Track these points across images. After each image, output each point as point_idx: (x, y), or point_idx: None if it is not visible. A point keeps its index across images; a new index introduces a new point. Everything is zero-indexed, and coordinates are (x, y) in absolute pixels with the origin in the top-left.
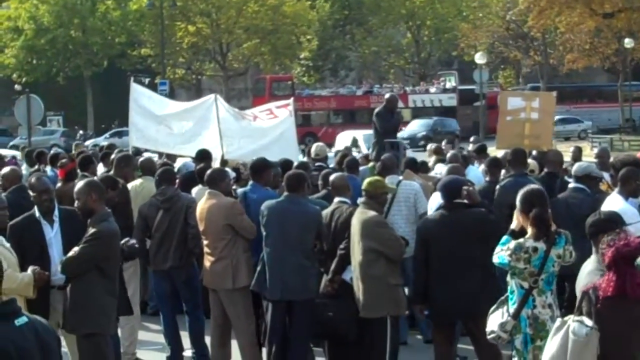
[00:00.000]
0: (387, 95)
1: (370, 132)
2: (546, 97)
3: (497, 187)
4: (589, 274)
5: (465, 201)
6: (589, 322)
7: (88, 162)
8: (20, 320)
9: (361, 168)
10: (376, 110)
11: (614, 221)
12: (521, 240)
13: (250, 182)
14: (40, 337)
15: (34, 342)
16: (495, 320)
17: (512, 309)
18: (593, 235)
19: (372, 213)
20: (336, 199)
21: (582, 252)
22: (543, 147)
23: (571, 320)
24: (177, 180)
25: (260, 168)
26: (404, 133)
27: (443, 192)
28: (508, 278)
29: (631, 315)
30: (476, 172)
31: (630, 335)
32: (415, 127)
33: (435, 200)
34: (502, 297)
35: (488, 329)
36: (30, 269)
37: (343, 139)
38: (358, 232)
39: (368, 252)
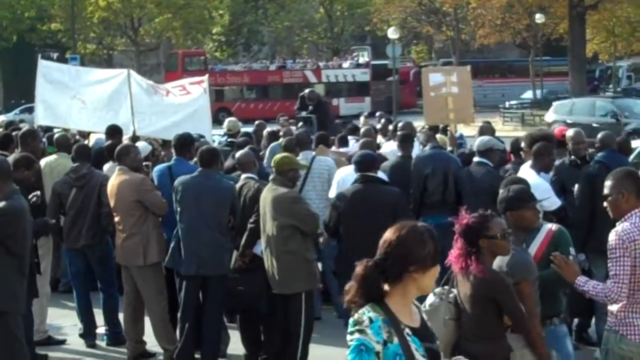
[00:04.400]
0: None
1: None
2: (462, 70)
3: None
4: None
5: (379, 176)
6: (442, 294)
7: (8, 140)
8: None
9: (272, 144)
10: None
11: (522, 199)
12: None
13: (175, 157)
14: None
15: None
16: None
17: None
18: (503, 211)
19: (284, 190)
20: (243, 175)
21: None
22: (467, 121)
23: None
24: None
25: (187, 143)
26: None
27: (357, 166)
28: None
29: (466, 290)
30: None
31: (472, 310)
32: None
33: (345, 173)
34: None
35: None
36: None
37: None
38: (270, 209)
39: (284, 229)
